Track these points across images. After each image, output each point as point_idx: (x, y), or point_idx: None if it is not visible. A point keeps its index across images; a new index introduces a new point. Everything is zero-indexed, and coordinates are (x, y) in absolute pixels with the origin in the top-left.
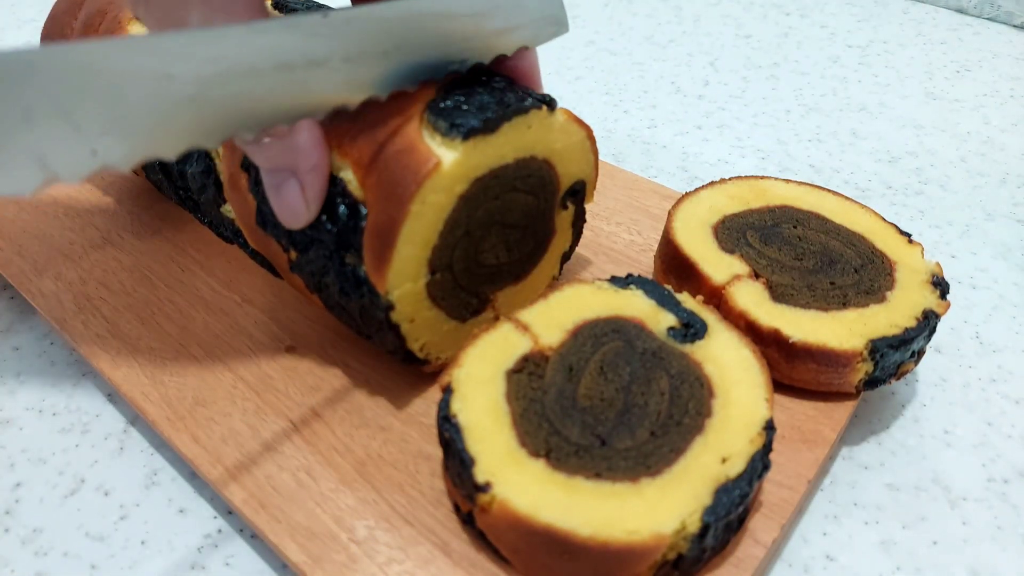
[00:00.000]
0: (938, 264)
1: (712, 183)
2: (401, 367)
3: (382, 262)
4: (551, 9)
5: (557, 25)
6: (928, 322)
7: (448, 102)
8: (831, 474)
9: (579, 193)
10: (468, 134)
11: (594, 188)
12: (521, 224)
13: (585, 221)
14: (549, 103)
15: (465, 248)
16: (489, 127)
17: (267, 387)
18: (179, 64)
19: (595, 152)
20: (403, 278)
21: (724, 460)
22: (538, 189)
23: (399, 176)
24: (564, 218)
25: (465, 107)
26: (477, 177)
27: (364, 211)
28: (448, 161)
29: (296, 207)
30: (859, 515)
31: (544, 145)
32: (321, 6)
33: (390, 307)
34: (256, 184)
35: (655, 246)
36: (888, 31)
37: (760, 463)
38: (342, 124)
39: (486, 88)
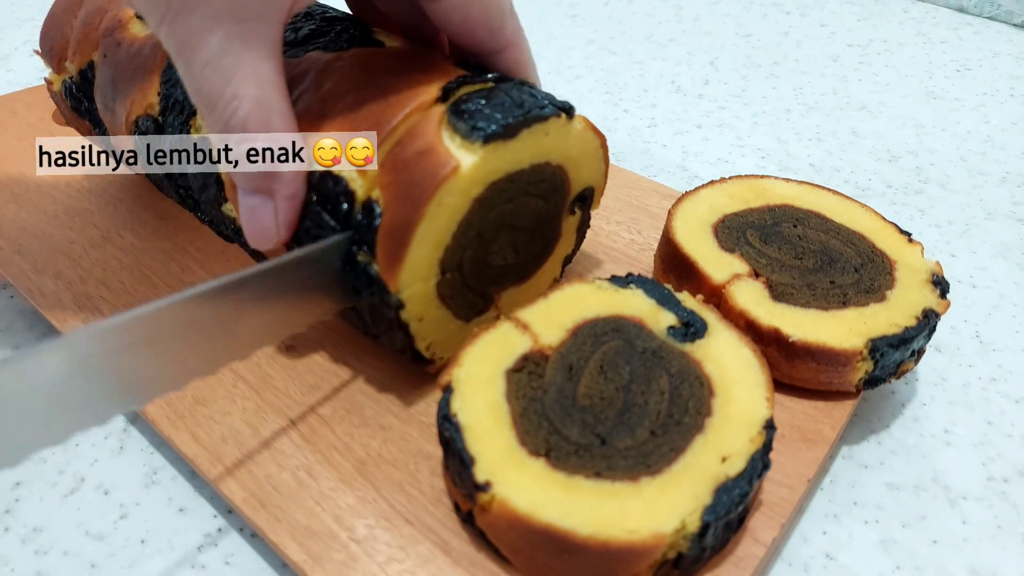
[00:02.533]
0: (938, 263)
1: (712, 182)
2: (401, 366)
3: (396, 261)
4: None
5: None
6: (928, 321)
7: (470, 104)
8: (831, 473)
9: (587, 199)
10: (488, 138)
11: (601, 195)
12: (530, 227)
13: (589, 227)
14: (568, 110)
15: (475, 249)
16: (509, 132)
17: (267, 386)
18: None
19: (607, 160)
20: (415, 277)
21: (724, 459)
22: (549, 194)
23: (417, 177)
24: (571, 223)
25: (487, 110)
26: (493, 181)
27: (378, 210)
28: (466, 165)
29: (267, 229)
30: (859, 514)
31: (560, 152)
32: (338, 13)
33: (400, 306)
34: None
35: (655, 245)
36: (888, 30)
37: (760, 462)
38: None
39: (507, 91)
